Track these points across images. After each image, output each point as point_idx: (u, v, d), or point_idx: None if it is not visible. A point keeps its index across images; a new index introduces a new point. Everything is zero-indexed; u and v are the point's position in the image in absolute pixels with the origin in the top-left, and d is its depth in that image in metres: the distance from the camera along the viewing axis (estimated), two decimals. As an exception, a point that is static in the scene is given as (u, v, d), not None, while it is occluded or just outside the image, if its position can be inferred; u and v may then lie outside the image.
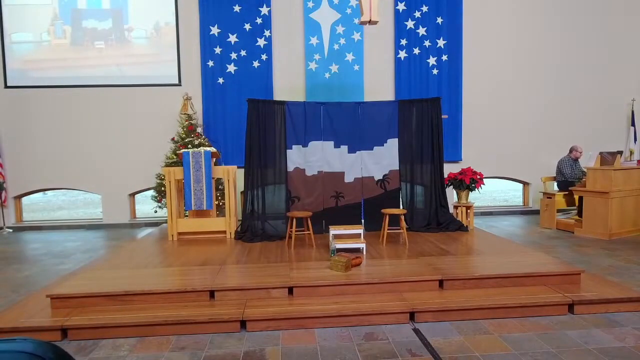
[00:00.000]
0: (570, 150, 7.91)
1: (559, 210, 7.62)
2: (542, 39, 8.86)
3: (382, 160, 6.39)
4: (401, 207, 6.38)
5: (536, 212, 8.60)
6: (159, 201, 7.82)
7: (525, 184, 9.36)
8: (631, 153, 8.79)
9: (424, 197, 6.47)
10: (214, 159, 6.09)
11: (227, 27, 8.27)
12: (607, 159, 6.91)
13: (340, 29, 8.41)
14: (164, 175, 6.67)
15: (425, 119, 6.42)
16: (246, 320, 3.52)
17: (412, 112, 6.45)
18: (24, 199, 8.99)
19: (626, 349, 3.09)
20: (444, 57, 8.60)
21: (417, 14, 8.54)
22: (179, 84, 8.37)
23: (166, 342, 3.34)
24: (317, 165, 6.29)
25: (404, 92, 8.48)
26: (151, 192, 8.25)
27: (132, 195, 8.70)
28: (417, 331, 3.45)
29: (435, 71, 8.62)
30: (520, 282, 4.09)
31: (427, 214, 6.41)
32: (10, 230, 8.19)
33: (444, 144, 6.66)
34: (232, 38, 8.28)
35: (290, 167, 6.25)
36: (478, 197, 12.14)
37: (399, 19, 8.54)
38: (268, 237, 5.91)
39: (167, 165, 7.48)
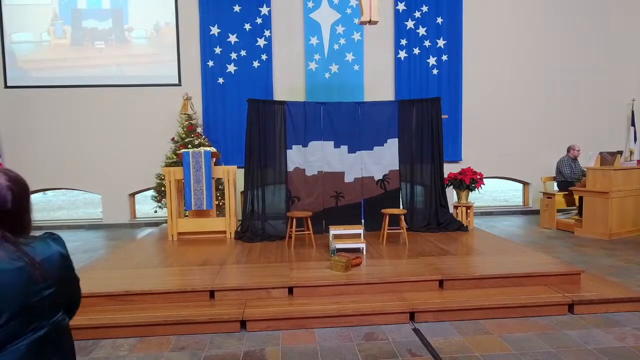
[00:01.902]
0: (568, 150, 7.91)
1: (559, 210, 7.62)
2: (542, 39, 8.86)
3: (382, 160, 6.39)
4: (401, 207, 6.38)
5: (536, 212, 8.60)
6: (159, 201, 7.82)
7: (525, 184, 9.36)
8: (631, 153, 8.79)
9: (424, 197, 6.47)
10: (214, 159, 6.09)
11: (227, 27, 8.27)
12: (607, 159, 6.91)
13: (340, 29, 8.40)
14: (164, 175, 6.67)
15: (425, 119, 6.42)
16: (246, 320, 3.52)
17: (412, 112, 6.45)
18: (24, 199, 8.98)
19: (626, 349, 3.09)
20: (444, 57, 8.60)
21: (417, 14, 8.54)
22: (179, 84, 8.37)
23: (166, 342, 3.34)
24: (317, 165, 6.29)
25: (404, 92, 8.48)
26: (151, 192, 8.25)
27: (132, 195, 8.70)
28: (417, 331, 3.45)
29: (435, 71, 8.61)
30: (520, 282, 4.09)
31: (427, 214, 6.41)
32: (10, 230, 8.18)
33: (444, 144, 6.65)
34: (232, 38, 8.28)
35: (290, 167, 6.25)
36: (478, 197, 12.13)
37: (399, 19, 8.54)
38: (268, 237, 5.91)
39: (167, 165, 7.48)
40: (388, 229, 5.52)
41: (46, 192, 13.36)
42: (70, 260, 1.38)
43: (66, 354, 1.33)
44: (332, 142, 6.32)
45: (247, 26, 8.28)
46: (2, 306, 1.14)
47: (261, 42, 8.32)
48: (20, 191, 1.25)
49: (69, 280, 1.39)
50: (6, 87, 8.19)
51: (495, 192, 14.94)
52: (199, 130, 8.08)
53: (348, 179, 6.35)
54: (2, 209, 1.21)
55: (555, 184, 8.06)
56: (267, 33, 8.32)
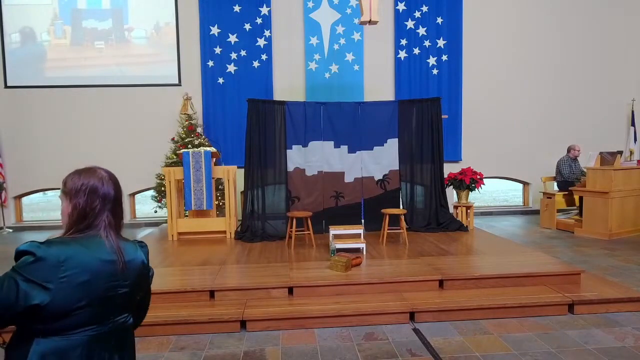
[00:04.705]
0: (569, 150, 7.91)
1: (559, 210, 7.62)
2: (541, 39, 8.85)
3: (382, 160, 6.39)
4: (401, 207, 6.38)
5: (536, 212, 8.59)
6: (159, 201, 7.82)
7: (525, 184, 9.36)
8: (631, 153, 8.78)
9: (424, 197, 6.47)
10: (214, 159, 6.09)
11: (227, 27, 8.27)
12: (607, 159, 6.91)
13: (340, 29, 8.40)
14: (164, 175, 6.66)
15: (425, 119, 6.42)
16: (246, 320, 3.52)
17: (412, 112, 6.45)
18: (24, 199, 8.99)
19: (626, 349, 3.09)
20: (444, 57, 8.60)
21: (417, 14, 8.54)
22: (179, 84, 8.37)
23: (166, 342, 3.34)
24: (317, 165, 6.29)
25: (404, 92, 8.48)
26: (151, 192, 8.25)
27: (132, 195, 8.70)
28: (417, 331, 3.45)
29: (435, 71, 8.61)
30: (520, 282, 4.09)
31: (427, 214, 6.41)
32: (10, 230, 8.19)
33: (444, 144, 6.65)
34: (232, 38, 8.28)
35: (290, 167, 6.25)
36: (478, 197, 12.12)
37: (399, 19, 8.54)
38: (268, 237, 5.91)
39: (167, 165, 7.47)
40: (388, 229, 5.52)
41: (46, 192, 13.34)
42: (148, 269, 1.45)
43: (127, 355, 1.38)
44: (332, 142, 6.32)
45: (247, 26, 8.28)
46: (89, 291, 1.22)
47: (261, 42, 8.32)
48: (116, 181, 1.36)
49: (143, 286, 1.44)
50: (6, 87, 8.18)
51: (495, 192, 14.94)
52: (199, 130, 8.08)
53: (348, 179, 6.35)
54: (110, 197, 1.31)
55: (555, 184, 8.06)
56: (267, 33, 8.32)
